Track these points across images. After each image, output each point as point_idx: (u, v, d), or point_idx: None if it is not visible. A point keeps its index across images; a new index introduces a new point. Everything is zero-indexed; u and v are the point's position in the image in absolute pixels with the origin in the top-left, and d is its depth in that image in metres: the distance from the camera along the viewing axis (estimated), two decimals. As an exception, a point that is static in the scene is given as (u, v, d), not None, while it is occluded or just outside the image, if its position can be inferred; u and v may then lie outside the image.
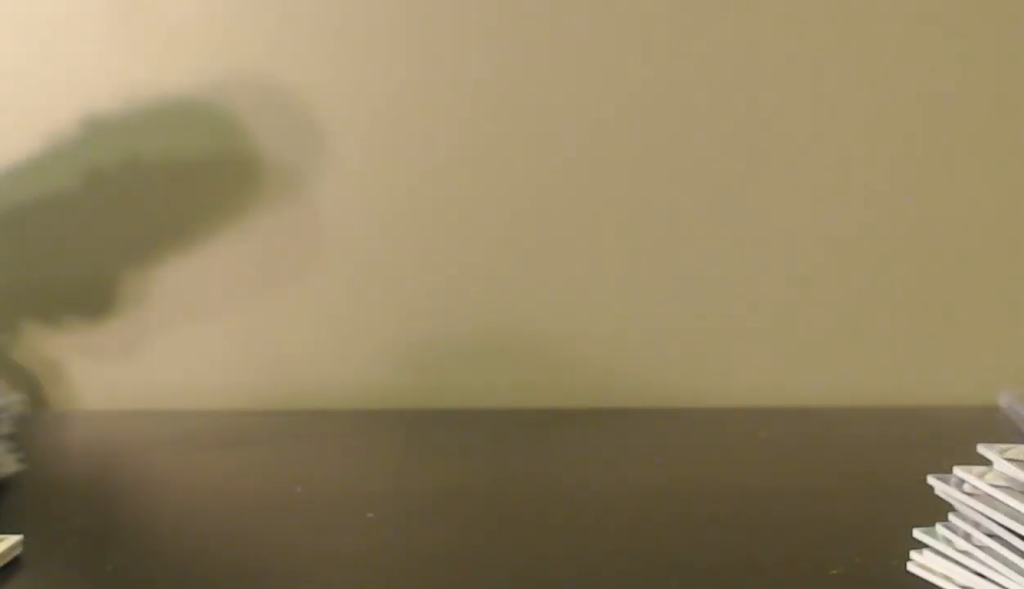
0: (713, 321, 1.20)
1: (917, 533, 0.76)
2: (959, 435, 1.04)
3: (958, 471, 0.75)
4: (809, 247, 1.19)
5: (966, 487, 0.74)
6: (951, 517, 0.75)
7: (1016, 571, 0.69)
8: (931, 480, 0.76)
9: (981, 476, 0.73)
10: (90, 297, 1.21)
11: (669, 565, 0.80)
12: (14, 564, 0.80)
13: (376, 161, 1.19)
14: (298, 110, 1.18)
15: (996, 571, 0.71)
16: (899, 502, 0.88)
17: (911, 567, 0.76)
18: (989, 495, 0.72)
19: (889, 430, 1.12)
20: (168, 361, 1.21)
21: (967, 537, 0.73)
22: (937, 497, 0.76)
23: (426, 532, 0.87)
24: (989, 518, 0.71)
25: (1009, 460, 0.72)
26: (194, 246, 1.20)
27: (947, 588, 0.74)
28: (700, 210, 1.19)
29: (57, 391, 1.22)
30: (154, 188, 1.19)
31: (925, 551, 0.76)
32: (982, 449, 0.75)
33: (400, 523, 0.89)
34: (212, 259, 1.20)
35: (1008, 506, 0.71)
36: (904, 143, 1.18)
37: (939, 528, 0.75)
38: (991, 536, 0.71)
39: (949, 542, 0.74)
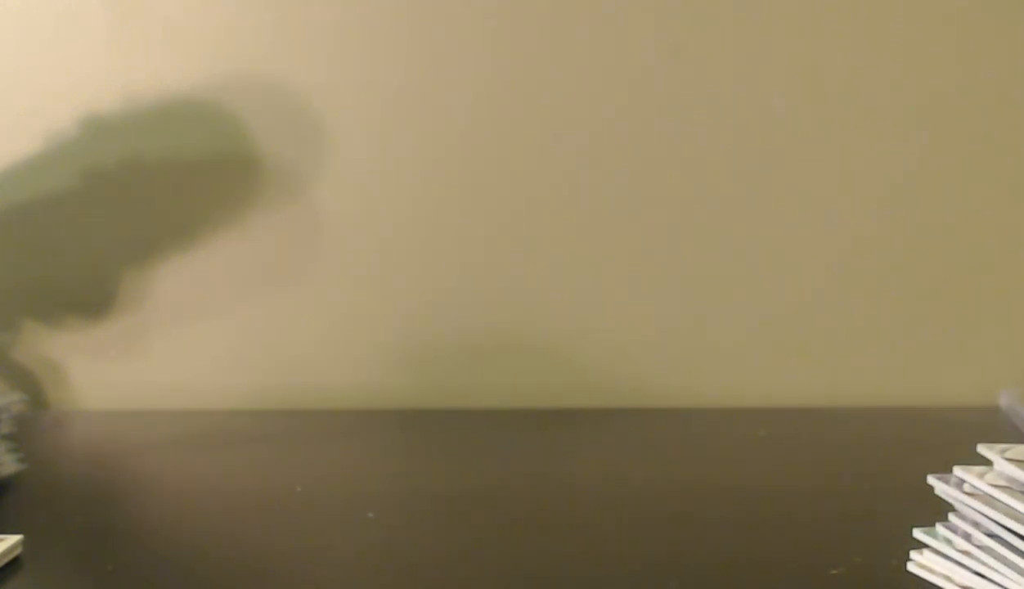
0: (713, 321, 1.20)
1: (917, 533, 0.76)
2: (959, 435, 1.04)
3: (958, 471, 0.75)
4: (809, 248, 1.19)
5: (966, 487, 0.74)
6: (951, 517, 0.75)
7: (1016, 571, 0.69)
8: (931, 480, 0.76)
9: (981, 476, 0.73)
10: (90, 297, 1.21)
11: (669, 565, 0.80)
12: (14, 564, 0.80)
13: (376, 161, 1.19)
14: (298, 110, 1.18)
15: (996, 571, 0.71)
16: (899, 502, 0.88)
17: (911, 567, 0.76)
18: (989, 495, 0.72)
19: (889, 430, 1.12)
20: (168, 361, 1.22)
21: (967, 537, 0.73)
22: (937, 497, 0.76)
23: (426, 532, 0.87)
24: (989, 518, 0.71)
25: (1009, 460, 0.72)
26: (194, 246, 1.20)
27: (947, 588, 0.74)
28: (701, 211, 1.19)
29: (57, 391, 1.22)
30: (154, 188, 1.19)
31: (925, 551, 0.76)
32: (982, 449, 0.75)
33: (400, 523, 0.89)
34: (212, 259, 1.20)
35: (1008, 506, 0.71)
36: (905, 144, 1.18)
37: (939, 528, 0.75)
38: (991, 536, 0.71)
39: (949, 542, 0.74)
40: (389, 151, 1.19)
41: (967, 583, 0.73)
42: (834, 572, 0.78)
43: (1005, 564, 0.70)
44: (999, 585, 0.71)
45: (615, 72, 1.17)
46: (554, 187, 1.19)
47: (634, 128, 1.18)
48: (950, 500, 0.75)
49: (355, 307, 1.21)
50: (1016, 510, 0.70)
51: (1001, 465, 0.73)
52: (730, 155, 1.18)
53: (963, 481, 0.74)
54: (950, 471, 0.75)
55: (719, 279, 1.20)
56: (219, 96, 1.17)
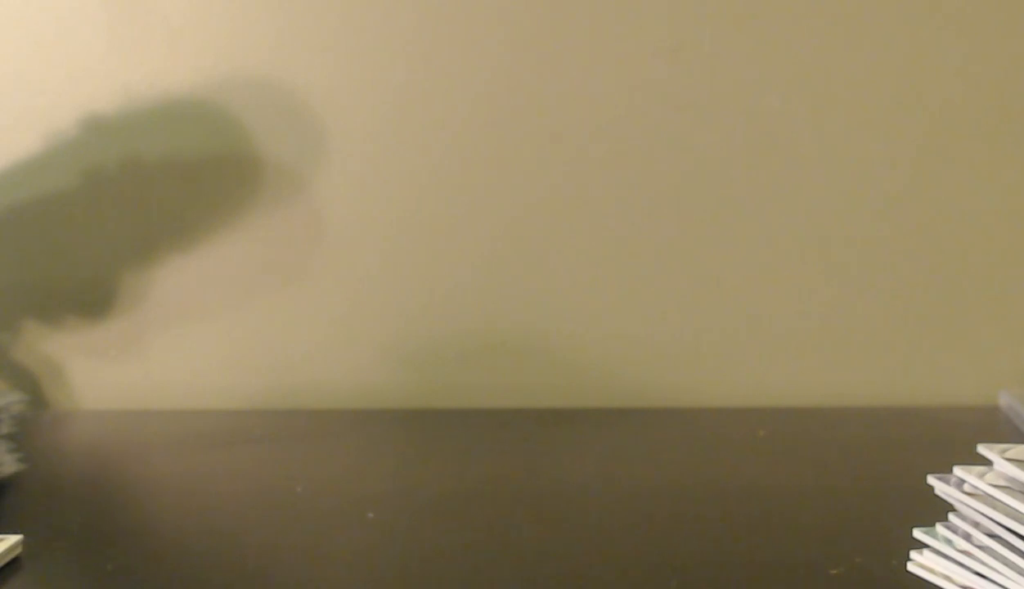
0: (713, 321, 1.20)
1: (917, 533, 0.76)
2: (959, 435, 1.04)
3: (958, 471, 0.75)
4: (809, 248, 1.19)
5: (966, 487, 0.74)
6: (951, 517, 0.75)
7: (1016, 571, 0.69)
8: (931, 480, 0.76)
9: (981, 476, 0.73)
10: (90, 297, 1.21)
11: (669, 565, 0.80)
12: (14, 564, 0.80)
13: (376, 161, 1.19)
14: (299, 110, 1.18)
15: (996, 571, 0.71)
16: (899, 502, 0.88)
17: (911, 567, 0.76)
18: (989, 495, 0.72)
19: (889, 430, 1.12)
20: (168, 361, 1.22)
21: (967, 537, 0.73)
22: (937, 497, 0.76)
23: (426, 532, 0.87)
24: (989, 518, 0.71)
25: (1009, 460, 0.72)
26: (194, 246, 1.20)
27: (947, 588, 0.74)
28: (700, 210, 1.19)
29: (57, 391, 1.22)
30: (154, 188, 1.19)
31: (925, 551, 0.76)
32: (982, 449, 0.75)
33: (400, 523, 0.89)
34: (212, 259, 1.20)
35: (1008, 506, 0.71)
36: (904, 144, 1.18)
37: (939, 528, 0.75)
38: (991, 536, 0.71)
39: (949, 542, 0.74)
40: (389, 151, 1.19)
41: (967, 583, 0.73)
42: (834, 572, 0.78)
43: (1005, 564, 0.70)
44: (999, 585, 0.71)
45: (615, 72, 1.17)
46: (554, 187, 1.19)
47: (634, 128, 1.18)
48: (950, 500, 0.75)
49: (355, 307, 1.21)
50: (1016, 510, 0.70)
51: (1001, 465, 0.73)
52: (730, 156, 1.18)
53: (963, 481, 0.74)
54: (950, 471, 0.75)
55: (719, 279, 1.20)
56: (219, 96, 1.17)
